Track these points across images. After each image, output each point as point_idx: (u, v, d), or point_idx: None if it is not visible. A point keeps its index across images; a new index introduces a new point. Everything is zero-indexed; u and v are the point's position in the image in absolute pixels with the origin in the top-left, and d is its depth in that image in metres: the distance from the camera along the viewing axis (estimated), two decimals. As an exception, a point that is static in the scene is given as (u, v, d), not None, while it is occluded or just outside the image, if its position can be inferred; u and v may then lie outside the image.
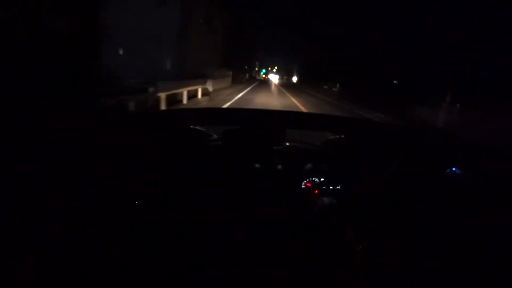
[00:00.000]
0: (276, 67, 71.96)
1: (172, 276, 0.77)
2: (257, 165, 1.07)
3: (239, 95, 12.33)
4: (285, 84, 33.90)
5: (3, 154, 0.78)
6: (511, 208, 0.76)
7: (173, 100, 7.52)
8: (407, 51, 12.39)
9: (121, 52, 9.90)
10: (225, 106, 8.56)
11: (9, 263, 0.67)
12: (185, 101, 8.24)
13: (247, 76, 34.00)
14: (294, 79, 58.63)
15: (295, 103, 11.61)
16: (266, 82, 33.60)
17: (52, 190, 0.78)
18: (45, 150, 0.81)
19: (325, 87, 26.64)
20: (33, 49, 1.31)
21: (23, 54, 1.27)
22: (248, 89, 17.08)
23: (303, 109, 10.02)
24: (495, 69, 7.54)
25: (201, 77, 10.97)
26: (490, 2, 8.61)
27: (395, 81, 14.43)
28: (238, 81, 22.40)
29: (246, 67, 34.71)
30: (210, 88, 11.70)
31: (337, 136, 1.33)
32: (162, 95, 6.72)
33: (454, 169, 0.93)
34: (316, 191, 1.03)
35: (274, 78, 57.42)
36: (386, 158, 1.01)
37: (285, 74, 72.49)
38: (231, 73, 18.03)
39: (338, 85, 25.54)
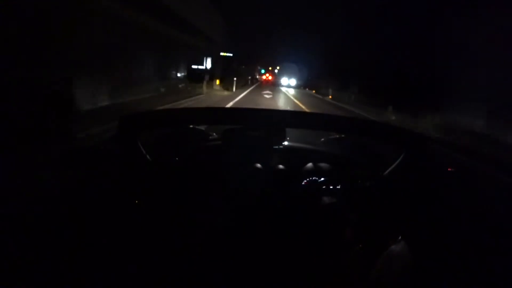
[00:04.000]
0: (278, 67, 63.49)
1: (171, 276, 0.78)
2: (257, 165, 1.06)
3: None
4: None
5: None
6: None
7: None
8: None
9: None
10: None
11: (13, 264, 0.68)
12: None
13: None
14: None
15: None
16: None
17: (50, 188, 0.82)
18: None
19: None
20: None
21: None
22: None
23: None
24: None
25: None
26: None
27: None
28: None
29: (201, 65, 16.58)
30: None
31: (337, 136, 1.34)
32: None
33: (453, 169, 0.95)
34: (315, 191, 1.01)
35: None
36: (386, 157, 1.02)
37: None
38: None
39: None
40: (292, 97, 18.15)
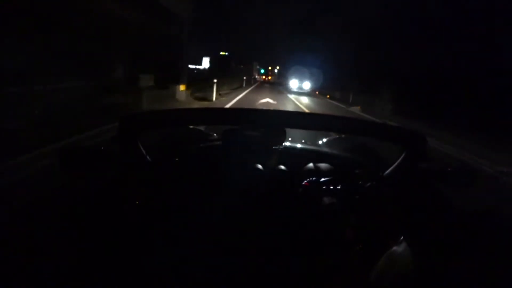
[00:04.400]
0: (278, 67, 57.14)
1: (170, 276, 0.76)
2: (257, 165, 1.04)
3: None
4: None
5: None
6: None
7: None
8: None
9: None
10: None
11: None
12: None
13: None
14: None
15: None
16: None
17: (50, 188, 0.83)
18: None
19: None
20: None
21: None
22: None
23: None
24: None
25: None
26: None
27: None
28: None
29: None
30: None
31: (337, 136, 1.32)
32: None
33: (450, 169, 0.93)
34: (315, 191, 0.99)
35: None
36: (387, 157, 1.02)
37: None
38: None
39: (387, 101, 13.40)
40: (306, 109, 11.71)
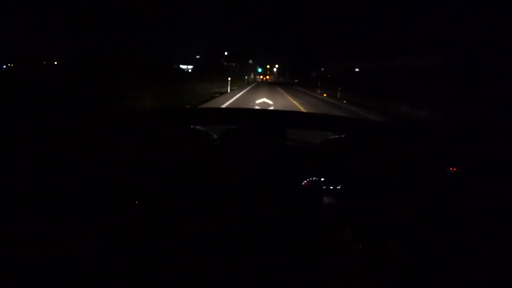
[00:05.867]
0: (276, 66, 53.55)
1: (171, 275, 0.78)
2: (257, 165, 1.05)
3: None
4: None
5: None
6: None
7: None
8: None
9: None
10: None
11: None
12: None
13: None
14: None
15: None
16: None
17: (51, 188, 0.80)
18: (47, 146, 0.84)
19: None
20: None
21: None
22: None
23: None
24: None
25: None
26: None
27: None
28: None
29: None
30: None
31: (338, 136, 1.34)
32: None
33: (452, 168, 0.93)
34: (315, 191, 1.01)
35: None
36: (387, 157, 1.02)
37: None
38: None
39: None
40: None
